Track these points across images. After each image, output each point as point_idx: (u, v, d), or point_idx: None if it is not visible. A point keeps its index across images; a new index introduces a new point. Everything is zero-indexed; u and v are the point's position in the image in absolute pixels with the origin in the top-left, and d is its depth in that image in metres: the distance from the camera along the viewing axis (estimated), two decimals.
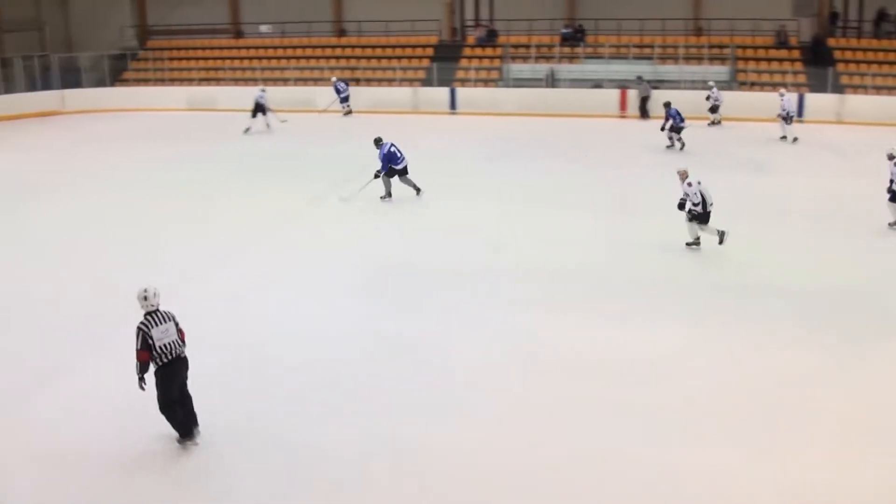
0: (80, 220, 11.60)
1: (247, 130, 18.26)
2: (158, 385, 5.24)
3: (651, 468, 5.24)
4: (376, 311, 8.04)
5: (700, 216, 9.37)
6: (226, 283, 8.93)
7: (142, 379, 5.16)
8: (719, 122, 18.58)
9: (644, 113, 19.47)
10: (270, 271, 9.37)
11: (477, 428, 5.80)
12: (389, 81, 22.30)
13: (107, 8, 26.65)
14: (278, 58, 24.11)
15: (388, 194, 12.02)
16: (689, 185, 9.35)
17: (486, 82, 21.96)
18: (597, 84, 20.64)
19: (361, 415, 5.97)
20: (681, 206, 9.41)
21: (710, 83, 18.84)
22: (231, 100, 21.45)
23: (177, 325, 5.33)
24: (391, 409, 6.03)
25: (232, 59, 24.31)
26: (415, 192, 12.13)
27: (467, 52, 22.69)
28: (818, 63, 20.01)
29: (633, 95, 20.06)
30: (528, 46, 22.03)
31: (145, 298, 5.18)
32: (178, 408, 5.31)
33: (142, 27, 26.61)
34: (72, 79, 23.98)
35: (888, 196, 10.29)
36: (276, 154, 16.55)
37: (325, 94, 21.55)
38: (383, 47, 23.47)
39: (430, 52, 22.89)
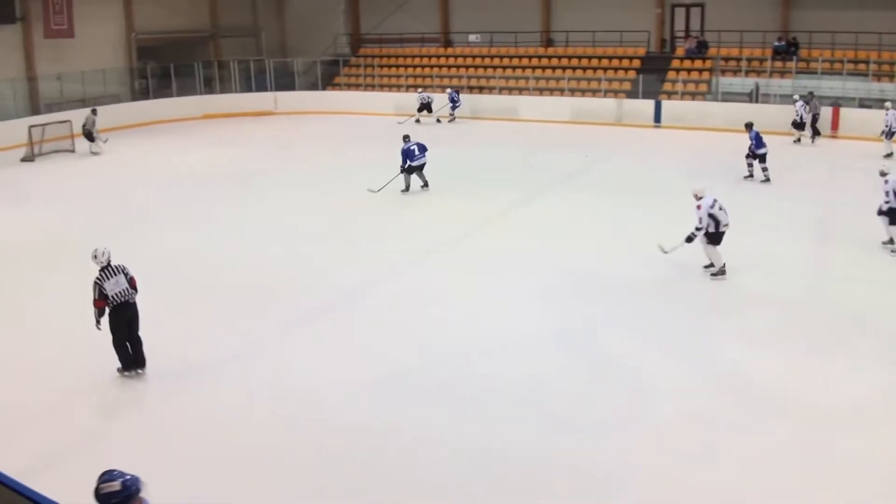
0: (281, 214, 18.84)
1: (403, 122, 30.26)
2: (111, 325, 10.09)
3: None
4: (574, 325, 11.99)
5: (710, 236, 13.62)
6: (417, 284, 13.97)
7: (98, 322, 10.05)
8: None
9: (815, 132, 27.30)
10: (463, 274, 14.42)
11: (726, 472, 8.20)
12: (594, 93, 32.75)
13: (322, 16, 40.63)
14: (485, 66, 36.11)
15: (407, 188, 20.08)
16: (698, 207, 13.45)
17: (694, 95, 31.21)
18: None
19: (564, 431, 8.98)
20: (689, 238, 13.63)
21: (887, 104, 24.79)
22: (436, 106, 33.37)
23: (127, 276, 10.20)
24: (602, 431, 8.96)
25: (440, 66, 36.90)
26: (423, 185, 20.27)
27: (675, 63, 32.61)
28: None
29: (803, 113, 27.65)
30: (738, 59, 31.58)
31: (95, 257, 10.09)
32: (127, 345, 10.20)
33: (354, 35, 40.25)
34: (285, 82, 37.71)
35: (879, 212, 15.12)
36: (479, 162, 24.97)
37: (530, 104, 32.78)
38: (589, 58, 34.43)
39: (637, 63, 33.28)
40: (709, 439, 8.80)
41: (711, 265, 14.15)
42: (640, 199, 19.68)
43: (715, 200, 13.87)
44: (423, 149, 20.32)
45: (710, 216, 13.67)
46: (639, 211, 18.57)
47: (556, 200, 19.90)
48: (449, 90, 33.75)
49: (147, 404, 10.19)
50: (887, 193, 15.38)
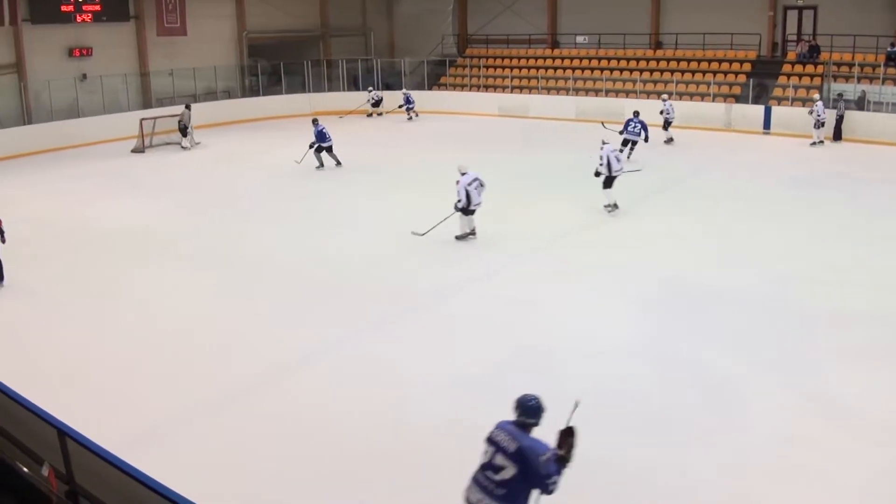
0: (377, 212, 19.63)
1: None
2: None
3: None
4: (668, 334, 11.88)
5: (464, 210, 16.07)
6: (509, 286, 14.21)
7: None
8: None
9: (837, 134, 28.25)
10: (556, 276, 14.59)
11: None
12: (702, 97, 32.68)
13: (430, 17, 41.29)
14: (591, 69, 36.24)
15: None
16: (458, 182, 16.05)
17: (804, 101, 30.34)
18: None
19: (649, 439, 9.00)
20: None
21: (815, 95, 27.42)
22: (542, 108, 34.16)
23: None
24: (686, 445, 8.91)
25: (546, 68, 37.29)
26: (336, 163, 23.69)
27: (787, 68, 32.19)
28: None
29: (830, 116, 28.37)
30: (850, 65, 30.93)
31: None
32: None
33: (462, 35, 40.88)
34: (392, 81, 38.74)
35: None
36: (579, 165, 24.13)
37: (636, 107, 33.50)
38: (699, 61, 34.28)
39: (747, 67, 32.96)
40: (799, 462, 8.67)
41: (464, 235, 16.51)
42: (744, 208, 19.64)
43: (476, 178, 16.26)
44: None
45: (467, 192, 15.98)
46: (742, 220, 18.53)
47: (657, 206, 19.97)
48: (404, 91, 36.25)
49: (233, 396, 10.68)
50: (601, 158, 18.71)
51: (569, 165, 24.84)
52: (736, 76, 33.55)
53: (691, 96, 33.49)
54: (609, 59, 37.11)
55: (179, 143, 29.82)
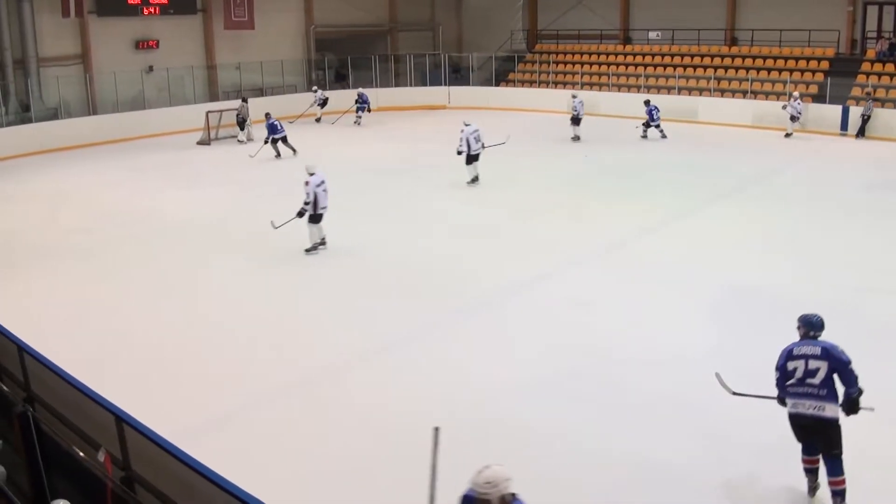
0: (445, 210, 19.57)
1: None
2: None
3: None
4: (736, 343, 11.47)
5: (311, 216, 15.71)
6: (573, 289, 13.98)
7: None
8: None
9: (861, 131, 28.44)
10: (620, 280, 14.34)
11: None
12: (778, 96, 32.04)
13: (499, 12, 41.19)
14: (664, 65, 35.82)
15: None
16: (306, 183, 15.69)
17: (884, 102, 29.89)
18: None
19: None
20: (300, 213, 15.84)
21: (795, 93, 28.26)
22: (613, 106, 33.74)
23: None
24: (752, 459, 8.65)
25: (617, 64, 36.97)
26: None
27: (866, 67, 31.54)
28: None
29: (855, 113, 28.70)
30: None
31: None
32: None
33: (531, 31, 40.72)
34: (459, 77, 38.99)
35: None
36: (651, 166, 24.65)
37: (709, 105, 32.18)
38: (775, 58, 33.72)
39: (825, 65, 32.38)
40: (871, 483, 8.20)
41: (314, 247, 16.17)
42: (817, 212, 19.22)
43: (323, 181, 15.97)
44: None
45: (315, 195, 15.69)
46: (815, 225, 18.09)
47: (726, 209, 19.50)
48: (359, 91, 34.74)
49: (292, 390, 10.82)
50: (461, 140, 21.11)
51: (637, 166, 24.80)
52: (813, 74, 32.95)
53: (766, 95, 32.96)
54: (682, 56, 36.66)
55: (236, 137, 30.35)
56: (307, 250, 16.17)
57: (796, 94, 29.61)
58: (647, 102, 29.63)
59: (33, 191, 23.18)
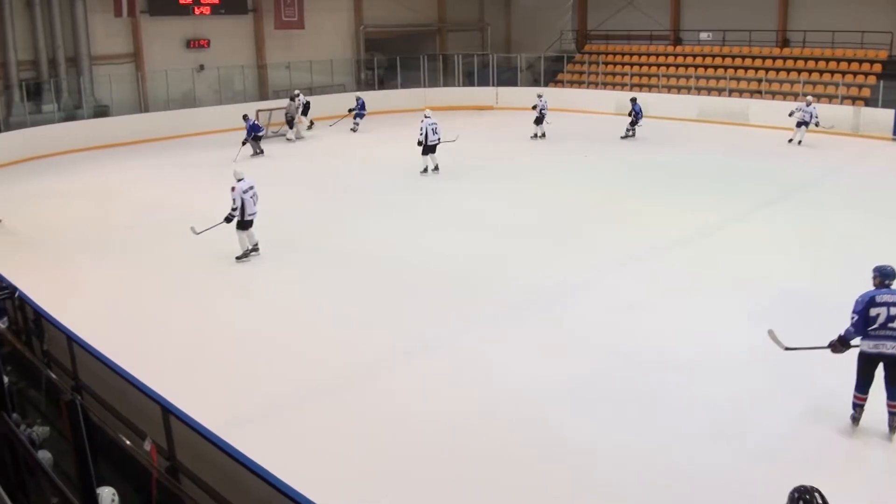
0: (489, 210, 19.60)
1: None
2: None
3: None
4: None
5: (239, 222, 15.53)
6: (620, 291, 13.88)
7: None
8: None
9: None
10: (669, 284, 14.21)
11: None
12: (830, 98, 31.57)
13: (548, 12, 41.19)
14: (714, 66, 35.48)
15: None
16: (233, 189, 15.45)
17: None
18: None
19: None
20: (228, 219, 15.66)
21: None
22: (662, 107, 33.44)
23: None
24: (801, 472, 7.90)
25: (667, 65, 36.69)
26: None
27: None
28: None
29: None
30: None
31: None
32: None
33: (581, 31, 40.55)
34: (507, 77, 38.79)
35: None
36: (700, 169, 24.32)
37: (760, 108, 31.85)
38: (827, 60, 33.23)
39: (877, 68, 31.82)
40: None
41: (245, 254, 16.01)
42: (869, 218, 18.81)
43: (251, 187, 15.84)
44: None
45: (242, 201, 15.56)
46: (866, 231, 17.61)
47: (776, 214, 19.23)
48: (357, 96, 33.83)
49: (335, 386, 10.97)
50: (420, 130, 23.11)
51: (686, 168, 24.62)
52: (865, 77, 32.39)
53: (818, 98, 32.43)
54: (733, 57, 36.27)
55: (284, 135, 30.74)
56: (238, 258, 16.10)
57: (809, 97, 29.01)
58: (633, 100, 29.96)
59: (83, 186, 23.58)
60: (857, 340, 8.96)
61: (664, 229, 17.81)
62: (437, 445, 9.26)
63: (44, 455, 5.55)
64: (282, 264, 16.01)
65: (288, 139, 30.50)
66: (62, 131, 29.01)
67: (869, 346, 8.78)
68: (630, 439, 9.23)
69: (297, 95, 31.21)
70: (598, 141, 29.30)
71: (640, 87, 36.33)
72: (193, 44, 34.38)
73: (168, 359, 11.57)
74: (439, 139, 23.43)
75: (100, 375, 8.64)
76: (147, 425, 7.60)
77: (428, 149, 23.46)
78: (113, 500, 5.50)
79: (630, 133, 29.60)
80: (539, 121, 29.67)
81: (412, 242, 17.25)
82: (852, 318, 8.86)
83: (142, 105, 32.65)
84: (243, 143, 27.05)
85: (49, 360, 9.76)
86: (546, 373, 10.97)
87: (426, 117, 23.45)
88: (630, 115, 29.65)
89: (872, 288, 9.03)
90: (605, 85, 38.04)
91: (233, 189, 15.77)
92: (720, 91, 34.70)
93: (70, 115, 30.51)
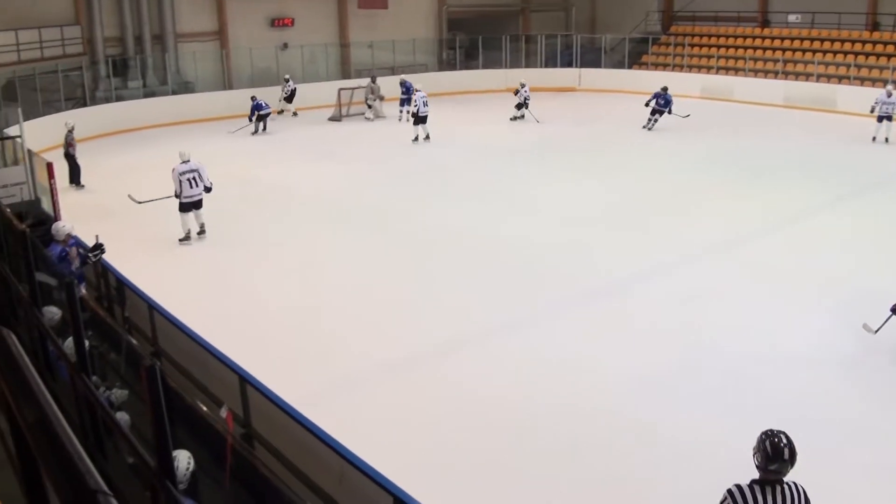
0: (568, 195, 19.39)
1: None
2: None
3: None
4: (868, 352, 10.74)
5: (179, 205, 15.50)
6: (697, 282, 13.55)
7: None
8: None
9: None
10: (748, 276, 13.80)
11: None
12: None
13: None
14: (802, 50, 34.66)
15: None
16: (173, 170, 15.53)
17: None
18: None
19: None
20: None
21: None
22: (748, 91, 32.88)
23: None
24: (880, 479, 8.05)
25: (754, 48, 35.92)
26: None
27: None
28: None
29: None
30: None
31: None
32: None
33: (667, 12, 39.92)
34: (591, 59, 38.36)
35: None
36: (785, 156, 23.51)
37: (849, 94, 30.61)
38: None
39: None
40: None
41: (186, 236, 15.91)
42: None
43: (192, 170, 15.64)
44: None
45: (179, 182, 15.50)
46: None
47: (858, 207, 18.45)
48: (402, 79, 31.31)
49: (406, 365, 11.03)
50: (414, 103, 25.14)
51: (767, 156, 24.00)
52: None
53: None
54: (822, 41, 35.23)
55: (363, 114, 30.99)
56: (180, 240, 16.02)
57: (889, 86, 25.68)
58: (665, 89, 28.30)
59: (168, 160, 23.90)
60: None
61: (743, 218, 17.41)
62: (509, 432, 9.23)
63: (122, 417, 5.64)
64: (363, 243, 16.12)
65: (367, 118, 30.75)
66: (147, 106, 29.54)
67: None
68: (714, 432, 9.07)
69: (375, 79, 31.56)
70: (676, 126, 28.64)
71: (727, 70, 35.74)
72: (277, 22, 34.88)
73: (247, 330, 11.73)
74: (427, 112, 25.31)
75: (179, 343, 8.79)
76: (224, 394, 7.70)
77: (419, 119, 25.34)
78: (189, 464, 5.58)
79: (651, 124, 28.10)
80: (520, 106, 29.89)
81: (490, 226, 17.14)
82: None
83: (226, 82, 33.19)
84: (249, 120, 27.92)
85: (129, 326, 9.95)
86: (625, 363, 10.82)
87: (417, 90, 25.93)
88: (651, 103, 28.12)
89: None
90: (689, 68, 37.26)
91: (173, 170, 15.75)
92: (807, 76, 33.78)
93: (155, 91, 31.13)
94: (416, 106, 25.18)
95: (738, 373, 10.45)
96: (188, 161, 15.80)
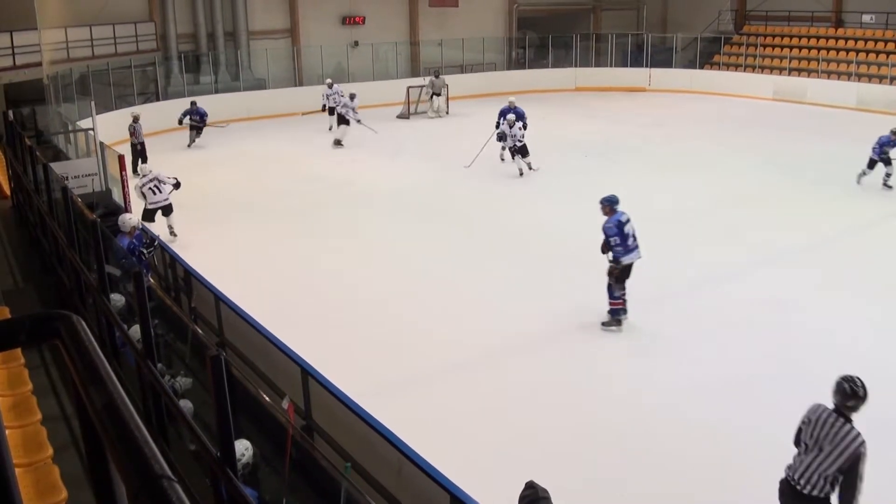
0: (637, 195, 20.26)
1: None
2: None
3: None
4: None
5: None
6: (772, 287, 13.24)
7: None
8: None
9: None
10: (821, 281, 13.51)
11: None
12: None
13: None
14: (877, 52, 33.82)
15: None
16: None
17: None
18: None
19: None
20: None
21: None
22: (821, 93, 32.33)
23: None
24: None
25: (827, 49, 35.27)
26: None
27: None
28: None
29: None
30: None
31: None
32: None
33: (740, 11, 39.36)
34: (661, 58, 37.90)
35: None
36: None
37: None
38: None
39: None
40: None
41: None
42: None
43: (153, 179, 15.83)
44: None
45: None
46: None
47: None
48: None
49: (467, 364, 11.02)
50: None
51: (843, 160, 22.79)
52: None
53: None
54: None
55: (426, 112, 31.18)
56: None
57: None
58: (511, 103, 23.85)
59: (239, 153, 24.42)
60: None
61: (813, 224, 17.05)
62: (586, 439, 9.13)
63: (185, 404, 5.79)
64: (429, 238, 16.23)
65: (430, 117, 30.94)
66: (219, 102, 29.88)
67: None
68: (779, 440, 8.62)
69: (438, 75, 31.70)
70: (751, 126, 28.49)
71: (799, 71, 35.16)
72: (349, 20, 35.23)
73: (312, 323, 11.83)
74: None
75: (244, 334, 8.95)
76: (286, 385, 7.84)
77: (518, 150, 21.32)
78: (245, 453, 5.71)
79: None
80: (331, 111, 27.39)
81: (562, 225, 16.99)
82: None
83: (297, 79, 33.61)
84: (179, 123, 26.03)
85: (196, 316, 10.16)
86: (693, 370, 10.67)
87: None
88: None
89: None
90: (762, 69, 36.74)
91: (135, 186, 16.14)
92: (881, 79, 32.91)
93: (227, 87, 31.61)
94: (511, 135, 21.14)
95: (807, 382, 9.71)
96: (146, 174, 16.12)
